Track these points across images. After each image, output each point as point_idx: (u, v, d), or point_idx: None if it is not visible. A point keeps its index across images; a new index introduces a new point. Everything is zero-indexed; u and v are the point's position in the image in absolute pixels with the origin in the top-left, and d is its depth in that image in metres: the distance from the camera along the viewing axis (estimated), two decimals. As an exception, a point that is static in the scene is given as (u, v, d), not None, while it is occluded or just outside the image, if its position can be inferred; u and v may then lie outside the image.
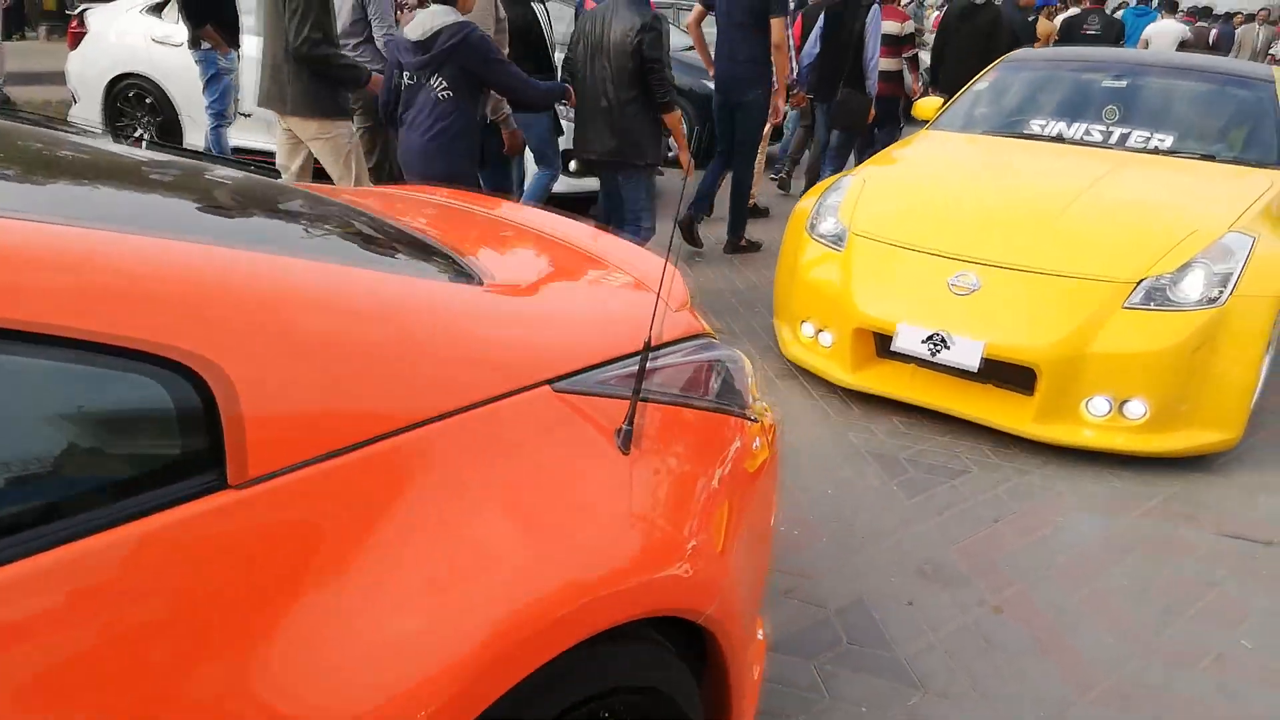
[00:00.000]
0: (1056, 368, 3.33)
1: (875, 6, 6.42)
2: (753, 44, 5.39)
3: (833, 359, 3.88)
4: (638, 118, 4.41)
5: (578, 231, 2.18)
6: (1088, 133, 4.57)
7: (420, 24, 3.64)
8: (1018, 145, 4.61)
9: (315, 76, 3.98)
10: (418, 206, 2.18)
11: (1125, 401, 3.35)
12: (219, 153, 6.52)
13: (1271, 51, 14.16)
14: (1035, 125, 4.71)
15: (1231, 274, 3.37)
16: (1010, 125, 4.82)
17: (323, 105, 4.08)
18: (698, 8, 5.88)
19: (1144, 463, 3.41)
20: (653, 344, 1.48)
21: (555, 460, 1.33)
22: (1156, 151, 4.38)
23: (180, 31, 6.55)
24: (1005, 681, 2.33)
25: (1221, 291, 3.33)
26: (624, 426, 1.40)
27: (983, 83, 5.21)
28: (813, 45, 6.73)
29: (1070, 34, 9.51)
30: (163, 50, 7.10)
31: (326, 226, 1.64)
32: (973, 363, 3.43)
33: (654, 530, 1.40)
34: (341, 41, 4.42)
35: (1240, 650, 2.51)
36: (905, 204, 4.05)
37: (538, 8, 4.89)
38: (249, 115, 6.94)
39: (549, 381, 1.36)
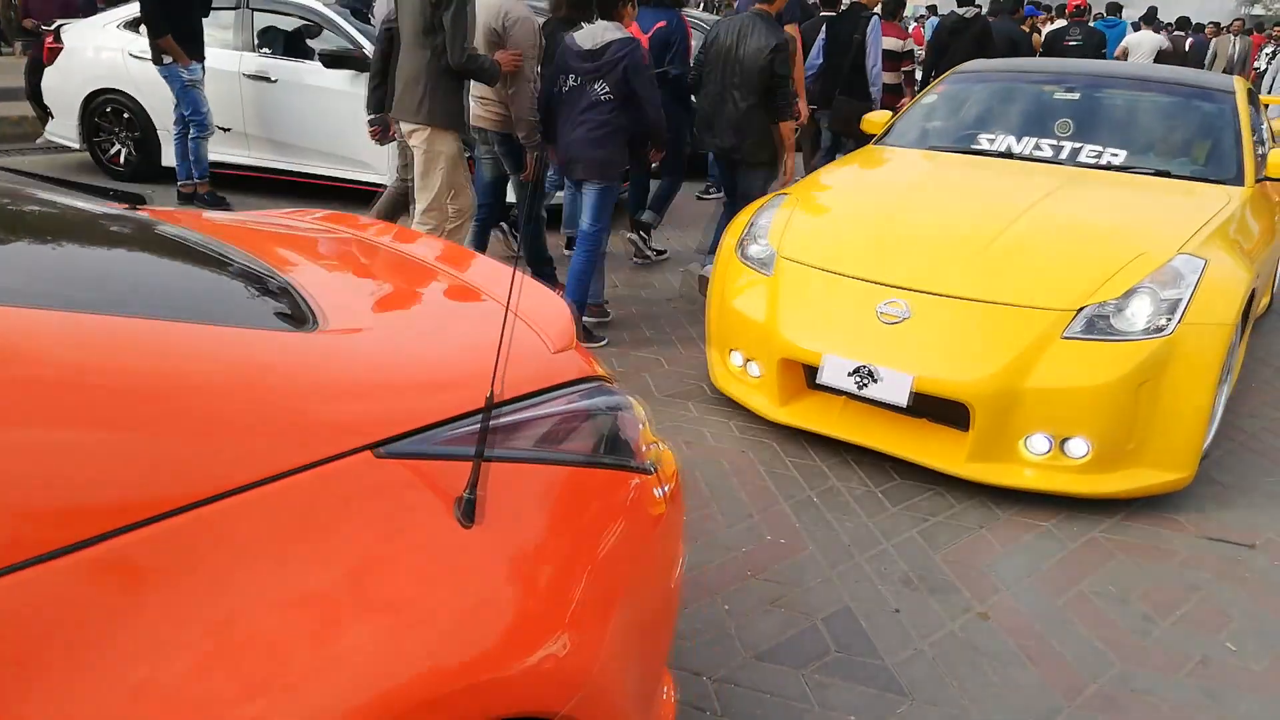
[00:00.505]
0: (990, 404, 3.07)
1: (875, 18, 6.59)
2: None
3: (761, 391, 3.61)
4: (755, 122, 4.88)
5: (478, 266, 1.95)
6: (1038, 148, 4.32)
7: (591, 35, 4.27)
8: (962, 162, 4.36)
9: (448, 91, 4.22)
10: (293, 237, 1.99)
11: (1066, 440, 3.09)
12: (201, 164, 6.68)
13: (1256, 65, 13.99)
14: (983, 140, 4.47)
15: (1180, 300, 3.11)
16: (958, 140, 4.57)
17: (449, 117, 4.29)
18: None
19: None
20: (528, 390, 1.36)
21: (370, 540, 1.12)
22: (1109, 168, 4.13)
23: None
24: (993, 688, 2.34)
25: (1169, 320, 3.07)
26: (465, 495, 1.22)
27: (931, 95, 4.97)
28: (815, 57, 6.86)
29: (1053, 46, 9.63)
30: (140, 65, 7.06)
31: (126, 268, 1.42)
32: (901, 398, 3.16)
33: (497, 618, 1.20)
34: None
35: (1224, 654, 2.52)
36: (837, 226, 3.80)
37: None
38: (228, 130, 7.13)
39: (372, 445, 1.16)
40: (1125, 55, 12.34)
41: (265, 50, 7.15)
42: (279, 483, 1.06)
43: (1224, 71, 14.03)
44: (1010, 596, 2.70)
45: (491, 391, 1.25)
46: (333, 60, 6.71)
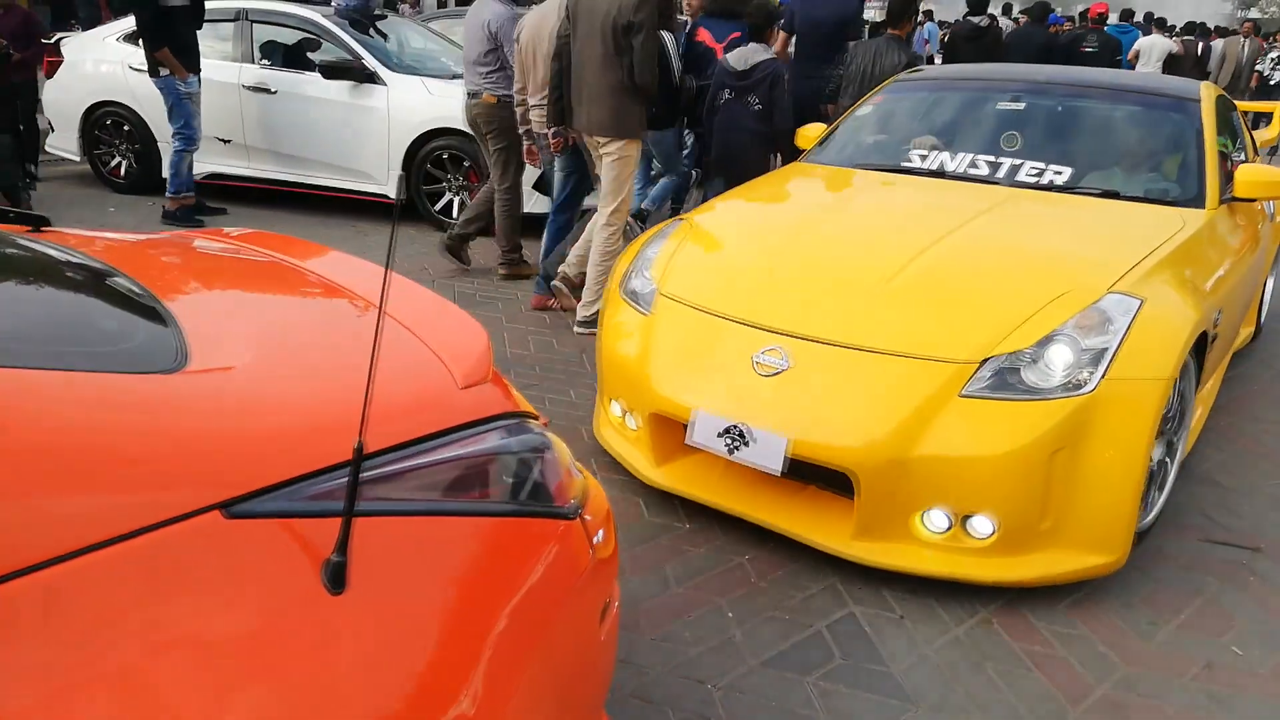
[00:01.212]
0: (876, 474, 2.58)
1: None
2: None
3: (638, 447, 3.14)
4: None
5: (406, 293, 1.76)
6: (973, 165, 3.82)
7: (742, 56, 5.17)
8: (884, 182, 3.87)
9: (635, 104, 4.59)
10: (192, 262, 1.90)
11: (968, 517, 2.60)
12: (179, 179, 6.74)
13: (1258, 68, 13.38)
14: (915, 157, 3.98)
15: (1106, 350, 2.61)
16: (887, 157, 4.08)
17: (639, 128, 4.71)
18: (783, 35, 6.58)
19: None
20: (427, 431, 1.29)
21: (212, 613, 1.02)
22: (1049, 188, 3.63)
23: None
24: (999, 693, 2.34)
25: (1092, 373, 2.58)
26: (332, 557, 1.10)
27: (868, 106, 4.48)
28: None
29: (1069, 52, 9.59)
30: (140, 78, 7.10)
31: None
32: (774, 465, 2.68)
33: (370, 693, 1.09)
34: (477, 68, 5.39)
35: (1230, 657, 2.51)
36: (726, 258, 3.32)
37: (666, 36, 5.42)
38: (228, 141, 7.26)
39: (222, 504, 1.07)
40: (1136, 58, 12.21)
41: (265, 62, 7.24)
42: (104, 551, 0.97)
43: (1233, 75, 13.42)
44: (1013, 601, 2.67)
45: (360, 440, 1.12)
46: (332, 71, 6.82)
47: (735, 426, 2.74)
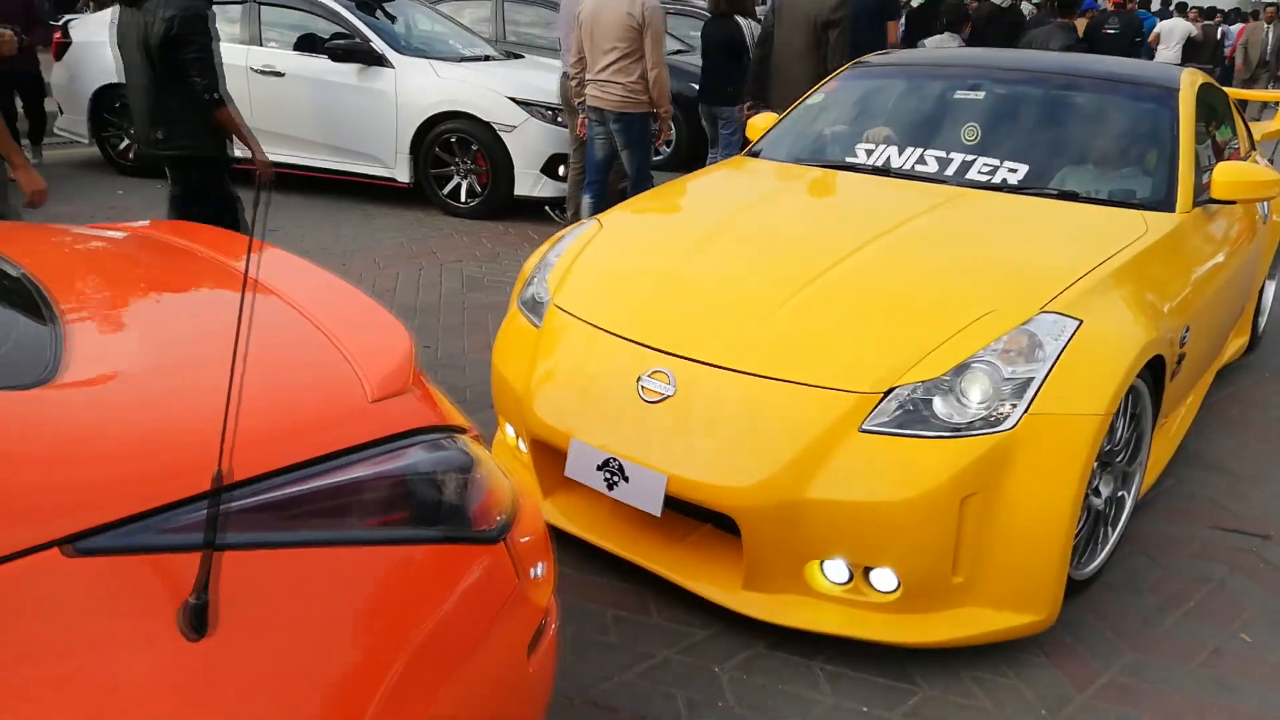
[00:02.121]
0: (763, 518, 2.26)
1: None
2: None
3: (526, 475, 2.83)
4: None
5: (325, 292, 1.66)
6: (922, 161, 3.46)
7: (937, 44, 6.15)
8: (821, 181, 3.51)
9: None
10: (95, 258, 1.76)
11: (870, 568, 2.27)
12: None
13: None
14: (861, 152, 3.62)
15: (1032, 379, 2.27)
16: (833, 151, 3.73)
17: None
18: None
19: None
20: (326, 450, 1.18)
21: (47, 662, 0.89)
22: (1001, 187, 3.27)
23: None
24: (1005, 678, 2.33)
25: (1013, 406, 2.24)
26: (190, 599, 0.98)
27: (820, 95, 4.12)
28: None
29: (1092, 35, 9.50)
30: None
31: None
32: (653, 505, 2.37)
33: None
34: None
35: (1239, 645, 2.50)
36: (627, 266, 2.99)
37: (743, 22, 6.09)
38: None
39: (64, 540, 0.95)
40: (1157, 43, 11.97)
41: (273, 44, 7.18)
42: None
43: (1257, 64, 12.86)
44: None
45: (220, 467, 1.02)
46: (340, 54, 6.78)
47: (613, 460, 2.42)
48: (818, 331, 2.47)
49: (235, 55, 6.95)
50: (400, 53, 6.85)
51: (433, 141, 6.76)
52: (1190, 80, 3.62)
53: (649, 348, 2.54)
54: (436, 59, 6.96)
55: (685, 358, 2.47)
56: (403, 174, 6.92)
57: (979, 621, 2.29)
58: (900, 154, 3.52)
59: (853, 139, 3.72)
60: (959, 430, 2.21)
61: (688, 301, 2.68)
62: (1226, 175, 3.20)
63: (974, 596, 2.28)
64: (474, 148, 6.70)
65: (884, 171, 3.48)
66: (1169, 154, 3.27)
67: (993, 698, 2.27)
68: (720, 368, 2.42)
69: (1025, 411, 2.23)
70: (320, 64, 6.93)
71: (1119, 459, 2.68)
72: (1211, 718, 2.25)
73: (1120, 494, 2.78)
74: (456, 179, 6.88)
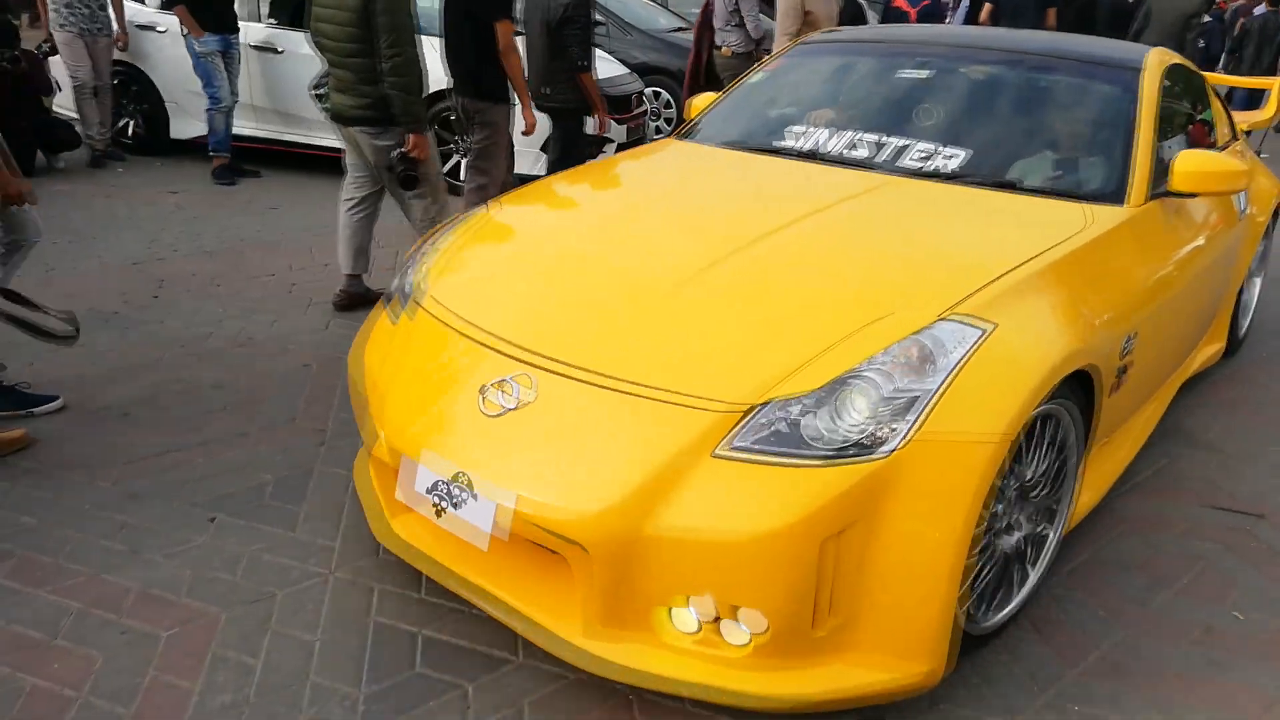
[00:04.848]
0: (604, 551, 1.95)
1: None
2: None
3: (376, 493, 2.53)
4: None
5: None
6: (854, 146, 3.13)
7: None
8: (739, 166, 3.19)
9: None
10: None
11: (724, 617, 1.96)
12: (214, 136, 6.80)
13: None
14: (793, 134, 3.29)
15: (920, 397, 1.95)
16: (764, 134, 3.40)
17: None
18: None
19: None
20: None
21: None
22: (935, 175, 2.94)
23: (165, 19, 6.91)
24: (996, 655, 2.31)
25: (896, 428, 1.92)
26: None
27: (761, 73, 3.80)
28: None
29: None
30: (147, 37, 7.14)
31: None
32: (479, 537, 2.06)
33: None
34: (717, 25, 6.53)
35: (1230, 622, 2.49)
36: (508, 258, 2.68)
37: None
38: (236, 100, 7.02)
39: None
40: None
41: (271, 20, 7.16)
42: None
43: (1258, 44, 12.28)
44: None
45: None
46: None
47: (441, 482, 2.12)
48: (691, 335, 2.15)
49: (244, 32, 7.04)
50: None
51: (431, 119, 6.56)
52: (1157, 61, 3.27)
53: (506, 353, 2.23)
54: (435, 36, 6.87)
55: (549, 365, 2.15)
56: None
57: (852, 676, 1.98)
58: (832, 138, 3.19)
59: (785, 121, 3.39)
60: (830, 456, 1.90)
61: (565, 298, 2.38)
62: (1187, 166, 2.86)
63: (847, 647, 1.97)
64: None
65: (812, 157, 3.15)
66: (1124, 141, 2.92)
67: (981, 673, 2.24)
68: (579, 375, 2.11)
69: (908, 435, 1.91)
70: None
71: (1037, 492, 2.35)
72: (1202, 695, 2.22)
73: (1043, 530, 2.46)
74: (456, 156, 6.72)
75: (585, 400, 2.07)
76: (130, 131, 7.56)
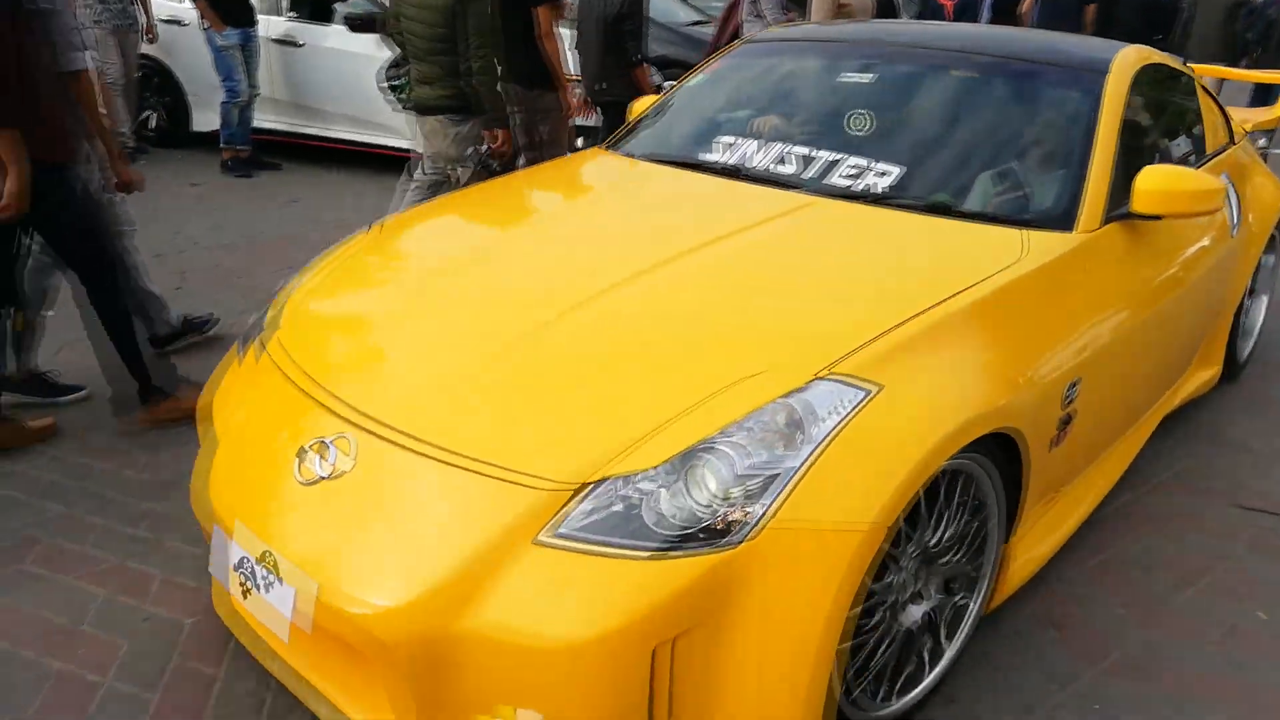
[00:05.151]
0: (410, 653, 1.68)
1: None
2: None
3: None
4: None
5: None
6: (782, 160, 2.83)
7: None
8: (651, 184, 2.90)
9: None
10: None
11: (549, 726, 1.69)
12: (228, 129, 6.87)
13: None
14: (719, 147, 2.99)
15: (779, 474, 1.66)
16: (691, 145, 3.10)
17: None
18: None
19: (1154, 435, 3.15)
20: None
21: None
22: (863, 196, 2.62)
23: (186, 11, 6.95)
24: (1015, 653, 2.29)
25: (750, 511, 1.63)
26: None
27: (700, 75, 3.49)
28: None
29: None
30: (168, 30, 7.16)
31: None
32: (280, 627, 1.81)
33: None
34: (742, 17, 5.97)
35: (1255, 623, 2.45)
36: (365, 295, 2.42)
37: None
38: (258, 94, 7.06)
39: None
40: None
41: (292, 14, 7.20)
42: None
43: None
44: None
45: None
46: (357, 24, 6.76)
47: (247, 559, 1.87)
48: (530, 397, 1.88)
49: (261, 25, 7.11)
50: None
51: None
52: (1127, 61, 2.91)
53: (333, 410, 1.96)
54: None
55: (370, 423, 1.89)
56: (420, 145, 6.79)
57: (703, 798, 1.69)
58: (759, 151, 2.88)
59: (714, 131, 3.09)
60: (668, 546, 1.62)
61: (405, 347, 2.11)
62: (1149, 184, 2.52)
63: (693, 766, 1.69)
64: None
65: (735, 173, 2.85)
66: (1078, 157, 2.59)
67: (1000, 670, 2.22)
68: (402, 440, 1.84)
69: (762, 521, 1.62)
70: (338, 34, 6.93)
71: (950, 558, 2.05)
72: (1225, 695, 2.19)
73: (962, 600, 2.16)
74: (421, 164, 6.68)
75: (405, 470, 1.81)
76: (152, 124, 7.60)
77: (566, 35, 5.27)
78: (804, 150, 2.82)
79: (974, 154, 2.72)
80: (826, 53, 3.24)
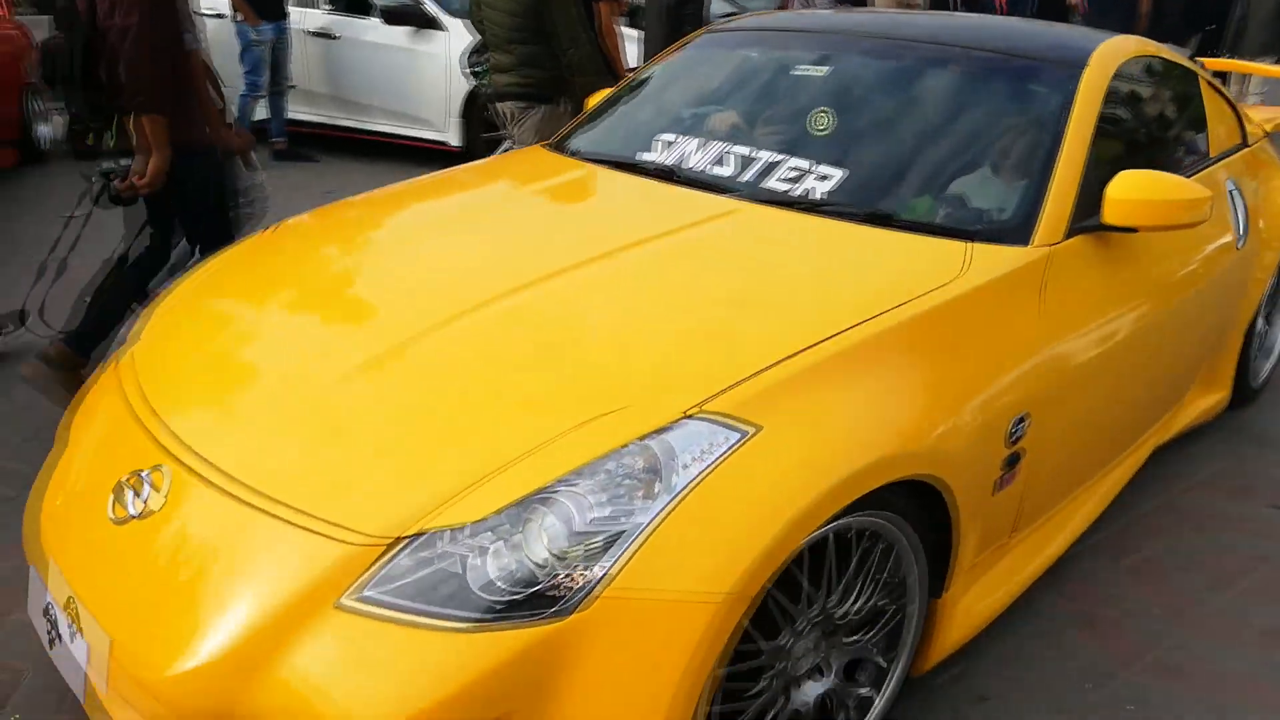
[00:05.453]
0: (199, 726, 1.47)
1: None
2: None
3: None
4: None
5: None
6: (720, 161, 2.57)
7: None
8: (576, 185, 2.67)
9: None
10: None
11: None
12: (244, 124, 6.52)
13: None
14: (659, 146, 2.74)
15: (625, 531, 1.42)
16: (635, 143, 2.85)
17: None
18: None
19: (1191, 435, 3.19)
20: None
21: None
22: (799, 202, 2.36)
23: (215, 2, 6.82)
24: (1049, 651, 2.28)
25: (587, 575, 1.40)
26: None
27: (655, 66, 3.25)
28: None
29: None
30: (202, 23, 7.02)
31: None
32: (77, 683, 1.61)
33: None
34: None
35: None
36: (227, 310, 2.21)
37: None
38: (293, 87, 7.13)
39: None
40: None
41: (328, 6, 7.23)
42: None
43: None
44: (1069, 560, 2.47)
45: None
46: (393, 16, 6.78)
47: (53, 606, 1.67)
48: (358, 434, 1.65)
49: (291, 17, 7.06)
50: (454, 15, 6.65)
51: (485, 104, 6.63)
52: (1111, 53, 2.61)
53: (157, 438, 1.76)
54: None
55: (189, 456, 1.68)
56: (454, 138, 6.83)
57: None
58: (698, 151, 2.63)
59: (656, 129, 2.84)
60: (488, 616, 1.38)
61: (243, 374, 1.90)
62: (1123, 192, 2.23)
63: None
64: None
65: (669, 174, 2.60)
66: (1040, 161, 2.30)
67: (1035, 670, 2.20)
68: (216, 479, 1.62)
69: (598, 588, 1.38)
70: (374, 26, 6.91)
71: (860, 637, 1.80)
72: (1261, 699, 2.17)
73: (881, 662, 1.90)
74: (508, 143, 6.72)
75: (212, 513, 1.60)
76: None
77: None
78: (744, 150, 2.56)
79: (926, 157, 2.44)
80: (782, 44, 2.98)
